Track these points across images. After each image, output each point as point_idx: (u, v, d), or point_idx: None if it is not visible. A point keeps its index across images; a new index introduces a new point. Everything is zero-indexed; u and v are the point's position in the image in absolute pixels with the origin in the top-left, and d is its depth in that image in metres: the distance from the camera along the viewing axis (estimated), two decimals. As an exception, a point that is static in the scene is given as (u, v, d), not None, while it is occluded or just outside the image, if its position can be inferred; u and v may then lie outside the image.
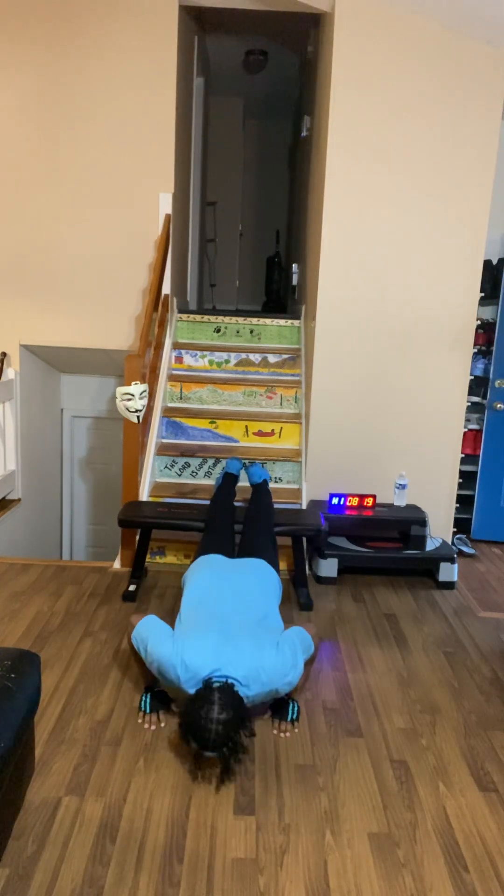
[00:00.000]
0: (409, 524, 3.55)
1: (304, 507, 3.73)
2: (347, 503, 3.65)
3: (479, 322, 4.25)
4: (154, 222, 4.16)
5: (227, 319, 4.48)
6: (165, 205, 4.12)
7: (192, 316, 4.49)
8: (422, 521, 3.54)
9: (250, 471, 3.59)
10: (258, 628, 2.23)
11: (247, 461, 3.81)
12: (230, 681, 2.02)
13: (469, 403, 4.26)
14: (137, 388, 3.30)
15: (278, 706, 2.27)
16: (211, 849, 1.72)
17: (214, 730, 1.86)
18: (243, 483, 3.85)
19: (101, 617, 2.96)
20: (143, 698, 2.26)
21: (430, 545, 3.59)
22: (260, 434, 4.02)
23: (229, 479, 3.45)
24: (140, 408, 3.33)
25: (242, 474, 3.86)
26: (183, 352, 4.32)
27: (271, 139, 7.38)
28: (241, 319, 4.49)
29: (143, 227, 4.16)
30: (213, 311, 4.96)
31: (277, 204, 7.54)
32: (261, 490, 3.33)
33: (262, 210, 7.55)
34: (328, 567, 3.45)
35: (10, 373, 4.28)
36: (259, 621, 2.28)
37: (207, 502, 3.47)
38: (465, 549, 4.05)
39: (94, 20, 3.92)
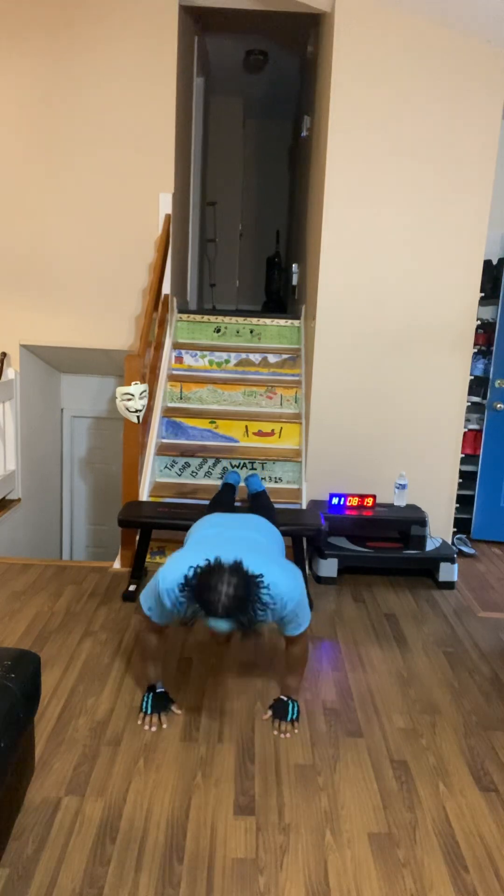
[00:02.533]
0: (409, 524, 3.55)
1: (304, 507, 3.73)
2: (347, 503, 3.65)
3: (479, 322, 4.25)
4: (154, 222, 4.16)
5: (227, 319, 4.48)
6: (165, 205, 4.12)
7: (192, 316, 4.49)
8: (422, 521, 3.54)
9: (248, 481, 3.58)
10: (261, 549, 2.14)
11: (246, 475, 3.78)
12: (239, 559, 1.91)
13: (469, 403, 4.26)
14: (137, 388, 3.30)
15: (278, 706, 2.27)
16: (211, 849, 1.72)
17: (224, 591, 1.78)
18: (244, 484, 3.85)
19: (101, 617, 2.96)
20: (145, 699, 2.26)
21: (430, 545, 3.59)
22: (260, 434, 4.02)
23: (228, 490, 3.44)
24: (140, 408, 3.33)
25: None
26: (183, 352, 4.32)
27: (271, 139, 7.38)
28: (241, 319, 4.49)
29: (143, 227, 4.16)
30: (213, 311, 4.96)
31: (277, 204, 7.54)
32: (260, 497, 3.33)
33: (262, 210, 7.55)
34: (328, 567, 3.45)
35: (10, 373, 4.28)
36: (263, 551, 2.18)
37: (207, 502, 3.47)
38: (465, 549, 4.05)
39: (94, 20, 3.92)
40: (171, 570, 2.03)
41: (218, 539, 2.21)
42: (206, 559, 1.95)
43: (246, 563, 1.99)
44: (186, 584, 1.87)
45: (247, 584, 1.83)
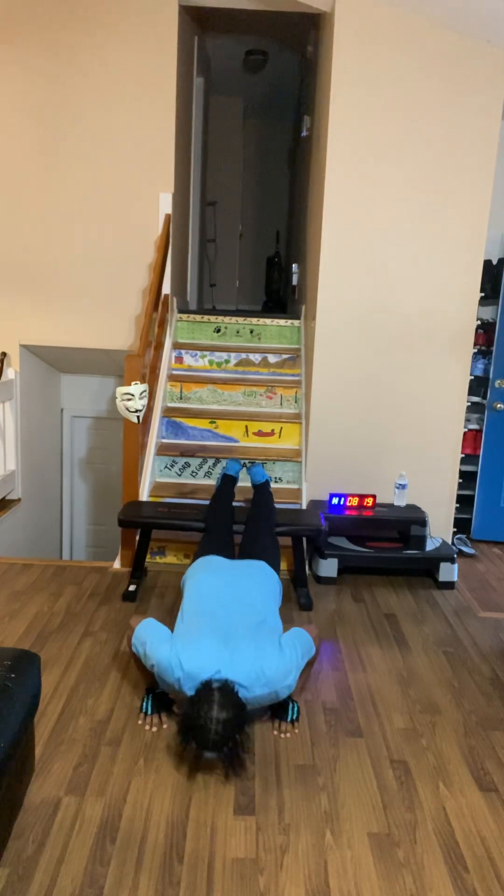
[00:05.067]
0: (409, 524, 3.55)
1: (304, 507, 3.73)
2: (347, 503, 3.65)
3: (479, 322, 4.25)
4: (154, 222, 4.16)
5: (227, 319, 4.48)
6: (165, 205, 4.12)
7: (192, 316, 4.49)
8: (422, 521, 3.54)
9: (252, 470, 3.59)
10: (258, 631, 2.23)
11: (247, 462, 3.81)
12: (230, 682, 2.01)
13: (469, 403, 4.26)
14: (137, 388, 3.30)
15: (278, 706, 2.27)
16: (211, 849, 1.72)
17: (214, 729, 1.86)
18: (244, 483, 3.85)
19: (101, 617, 2.96)
20: (145, 700, 2.26)
21: (430, 545, 3.59)
22: (260, 434, 4.02)
23: (228, 481, 3.45)
24: (140, 408, 3.33)
25: (242, 476, 3.86)
26: (183, 352, 4.32)
27: (271, 139, 7.38)
28: (241, 319, 4.49)
29: (143, 227, 4.16)
30: (213, 311, 4.96)
31: (277, 204, 7.54)
32: (262, 490, 3.33)
33: (262, 210, 7.55)
34: (328, 567, 3.45)
35: (10, 373, 4.28)
36: (259, 624, 2.27)
37: (207, 502, 3.47)
38: (465, 549, 4.05)
39: (94, 20, 3.92)
40: (163, 657, 2.10)
41: (210, 618, 2.26)
42: (197, 660, 2.05)
43: (235, 672, 2.04)
44: (179, 721, 1.97)
45: (236, 719, 1.90)
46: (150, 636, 2.19)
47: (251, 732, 1.96)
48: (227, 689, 1.94)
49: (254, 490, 3.40)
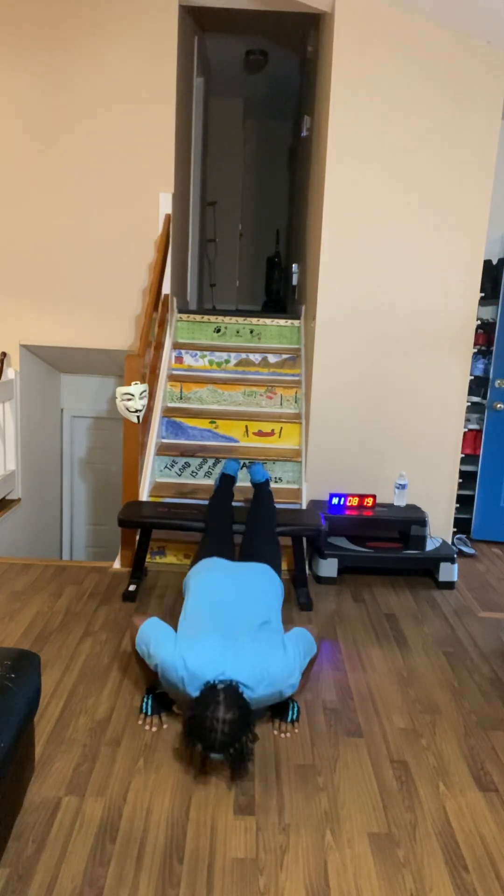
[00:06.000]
0: (409, 524, 3.55)
1: (304, 507, 3.73)
2: (347, 503, 3.65)
3: (479, 322, 4.25)
4: (154, 222, 4.16)
5: (227, 319, 4.48)
6: (165, 205, 4.12)
7: (192, 316, 4.49)
8: (422, 521, 3.54)
9: (252, 469, 3.59)
10: (261, 631, 2.23)
11: (246, 461, 3.81)
12: (234, 682, 2.01)
13: (469, 403, 4.26)
14: (137, 388, 3.30)
15: (278, 706, 2.27)
16: (211, 849, 1.72)
17: (220, 729, 1.85)
18: (244, 483, 3.85)
19: (101, 617, 2.96)
20: (145, 700, 2.26)
21: (430, 545, 3.59)
22: (260, 434, 4.02)
23: (227, 481, 3.44)
24: (140, 408, 3.33)
25: (242, 475, 3.86)
26: (183, 352, 4.32)
27: (271, 139, 7.38)
28: (241, 319, 4.49)
29: (143, 227, 4.16)
30: (213, 311, 4.96)
31: (277, 204, 7.54)
32: (262, 490, 3.33)
33: (262, 210, 7.55)
34: (328, 567, 3.45)
35: (10, 373, 4.28)
36: (262, 624, 2.28)
37: (207, 502, 3.47)
38: (465, 549, 4.05)
39: (94, 20, 3.92)
40: (167, 657, 2.09)
41: (213, 620, 2.26)
42: (200, 660, 2.04)
43: (239, 673, 2.04)
44: (183, 723, 1.97)
45: (241, 720, 1.89)
46: (153, 635, 2.19)
47: (257, 733, 1.96)
48: (231, 690, 1.94)
49: (254, 489, 3.40)
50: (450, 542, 3.86)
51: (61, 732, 2.15)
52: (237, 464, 3.63)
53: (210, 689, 1.94)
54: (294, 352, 4.32)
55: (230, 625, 2.23)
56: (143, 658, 2.22)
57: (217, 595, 2.40)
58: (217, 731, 1.85)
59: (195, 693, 2.02)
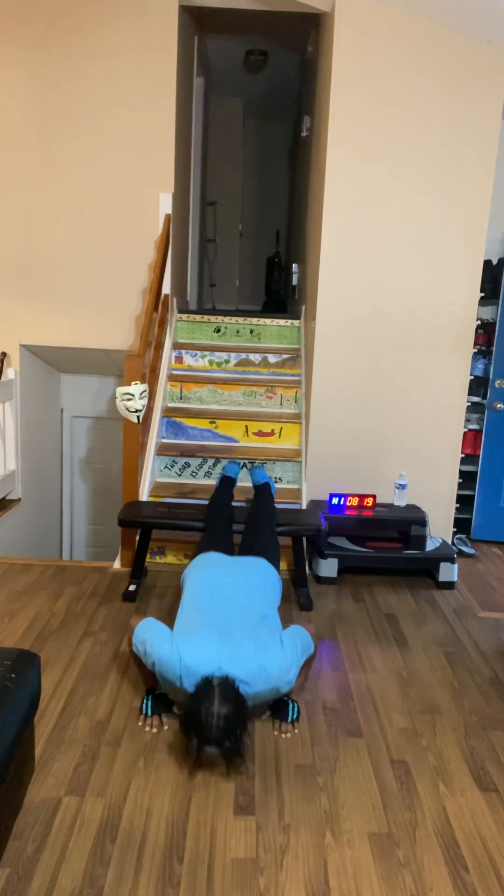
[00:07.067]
0: (409, 524, 3.55)
1: (304, 507, 3.73)
2: (347, 503, 3.65)
3: (479, 322, 4.25)
4: (154, 222, 4.16)
5: (227, 319, 4.48)
6: (165, 205, 4.12)
7: (192, 316, 4.49)
8: (422, 521, 3.54)
9: (253, 472, 3.59)
10: (258, 626, 2.23)
11: (247, 463, 3.81)
12: (230, 677, 2.01)
13: (469, 403, 4.26)
14: (137, 388, 3.30)
15: (278, 706, 2.27)
16: (211, 849, 1.72)
17: (216, 724, 1.86)
18: (245, 483, 3.85)
19: (101, 617, 2.96)
20: (145, 701, 2.26)
21: (430, 545, 3.59)
22: (260, 434, 4.02)
23: (227, 483, 3.44)
24: (140, 408, 3.33)
25: (243, 476, 3.86)
26: (183, 352, 4.32)
27: (271, 139, 7.38)
28: (241, 319, 4.49)
29: (143, 227, 4.16)
30: (213, 311, 4.96)
31: (277, 204, 7.54)
32: (263, 491, 3.33)
33: (262, 210, 7.55)
34: (328, 567, 3.45)
35: (10, 373, 4.28)
36: (259, 619, 2.28)
37: (207, 502, 3.47)
38: (465, 549, 4.05)
39: (94, 20, 3.92)
40: (164, 654, 2.09)
41: (210, 614, 2.26)
42: (197, 656, 2.04)
43: (235, 668, 2.04)
44: (179, 716, 1.98)
45: (236, 714, 1.90)
46: (150, 634, 2.19)
47: (252, 729, 1.96)
48: (227, 685, 1.95)
49: (254, 490, 3.40)
50: (450, 542, 3.86)
51: (61, 732, 2.15)
52: (237, 466, 3.63)
53: (206, 684, 1.94)
54: (294, 352, 4.32)
55: (227, 620, 2.23)
56: (140, 658, 2.22)
57: (214, 590, 2.40)
58: (213, 725, 1.86)
59: (192, 689, 2.03)
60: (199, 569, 2.55)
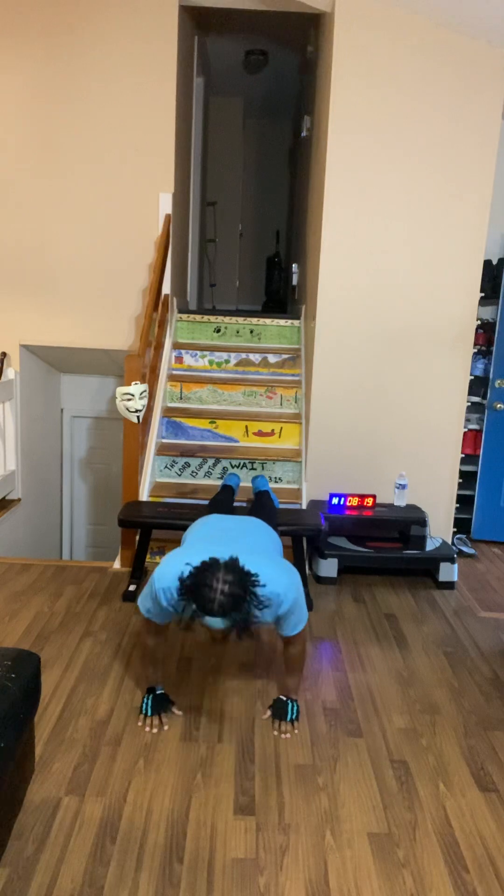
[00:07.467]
0: (409, 524, 3.55)
1: (304, 507, 3.73)
2: (347, 503, 3.65)
3: (479, 322, 4.25)
4: (154, 222, 4.16)
5: (227, 319, 4.48)
6: (165, 205, 4.12)
7: (192, 316, 4.49)
8: (422, 521, 3.54)
9: (255, 480, 3.59)
10: (263, 555, 2.14)
11: (247, 463, 3.81)
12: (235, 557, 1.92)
13: (469, 403, 4.26)
14: (137, 388, 3.30)
15: (278, 706, 2.27)
16: (211, 849, 1.72)
17: (220, 589, 1.78)
18: (245, 483, 3.85)
19: (101, 617, 2.96)
20: (145, 701, 2.26)
21: (430, 545, 3.59)
22: (260, 434, 4.02)
23: (227, 490, 3.44)
24: (140, 408, 3.33)
25: (243, 475, 3.86)
26: (183, 352, 4.32)
27: (271, 139, 7.38)
28: (241, 319, 4.49)
29: (143, 227, 4.16)
30: (213, 311, 4.96)
31: (277, 204, 7.54)
32: (263, 495, 3.33)
33: (262, 210, 7.55)
34: (328, 567, 3.45)
35: (10, 373, 4.28)
36: (263, 552, 2.18)
37: (207, 503, 3.47)
38: (465, 549, 4.05)
39: (94, 20, 3.92)
40: (167, 569, 2.03)
41: (214, 538, 2.20)
42: (202, 558, 1.95)
43: (242, 561, 1.98)
44: (182, 584, 1.87)
45: (242, 582, 1.82)
46: (149, 585, 2.11)
47: (258, 601, 1.82)
48: (233, 562, 1.87)
49: (255, 496, 3.38)
50: (450, 542, 3.86)
51: (61, 732, 2.15)
52: (238, 478, 3.63)
53: (211, 560, 1.86)
54: (294, 352, 4.32)
55: (233, 546, 2.15)
56: (151, 621, 2.12)
57: (216, 532, 2.30)
58: (216, 591, 1.78)
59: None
60: (199, 522, 2.46)
